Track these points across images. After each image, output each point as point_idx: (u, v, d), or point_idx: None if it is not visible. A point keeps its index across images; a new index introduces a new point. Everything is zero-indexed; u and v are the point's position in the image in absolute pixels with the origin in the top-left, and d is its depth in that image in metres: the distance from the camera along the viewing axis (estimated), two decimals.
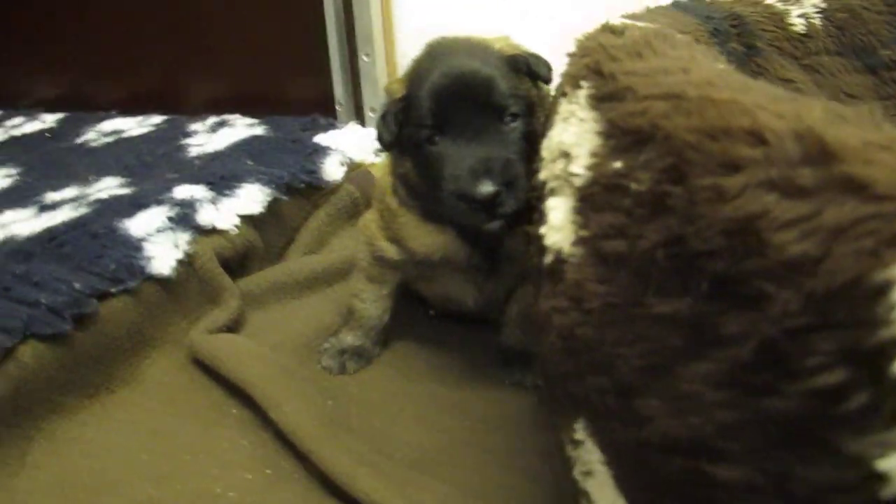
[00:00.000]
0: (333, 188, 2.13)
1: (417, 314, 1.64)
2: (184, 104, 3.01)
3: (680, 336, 0.61)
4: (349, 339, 1.48)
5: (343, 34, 2.55)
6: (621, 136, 0.73)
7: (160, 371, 1.48)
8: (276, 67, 2.80)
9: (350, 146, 2.26)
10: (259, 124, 2.55)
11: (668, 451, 0.64)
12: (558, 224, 0.85)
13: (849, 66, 1.71)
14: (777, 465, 0.55)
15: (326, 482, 1.13)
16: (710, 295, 0.58)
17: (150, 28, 3.03)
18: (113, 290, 1.43)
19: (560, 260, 0.84)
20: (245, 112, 2.75)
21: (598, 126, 0.79)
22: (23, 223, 1.80)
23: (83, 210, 1.77)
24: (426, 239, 1.33)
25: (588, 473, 0.86)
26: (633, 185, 0.68)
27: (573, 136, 0.84)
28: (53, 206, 1.92)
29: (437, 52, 1.25)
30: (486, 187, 1.10)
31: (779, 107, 0.59)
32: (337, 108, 2.67)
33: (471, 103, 1.17)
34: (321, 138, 2.29)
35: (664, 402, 0.63)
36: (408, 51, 2.52)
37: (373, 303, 1.47)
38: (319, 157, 2.12)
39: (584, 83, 0.86)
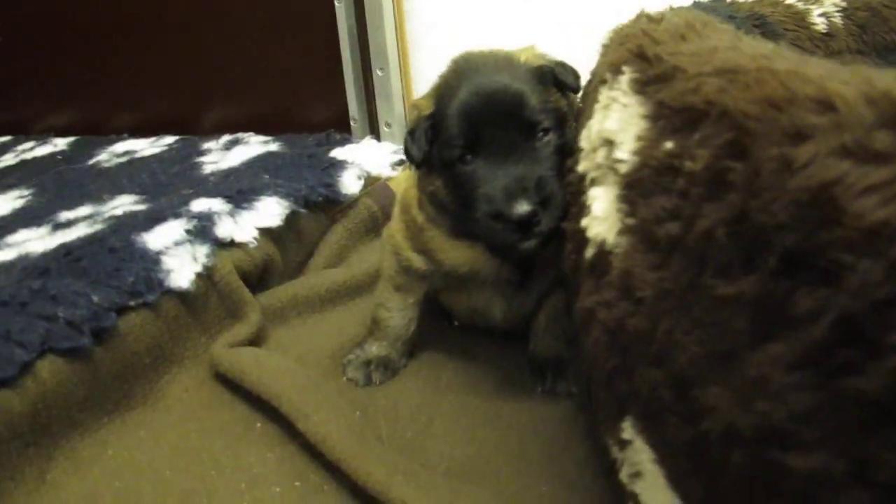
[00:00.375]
0: (351, 203, 2.11)
1: (443, 325, 1.61)
2: (197, 128, 3.00)
3: (745, 318, 0.58)
4: (374, 349, 1.45)
5: (356, 49, 2.53)
6: (671, 117, 0.71)
7: (180, 387, 1.44)
8: (290, 86, 2.79)
9: (367, 160, 2.24)
10: (273, 141, 2.55)
11: (732, 443, 0.60)
12: (602, 214, 0.82)
13: (871, 65, 1.69)
14: (857, 450, 0.51)
15: (357, 493, 1.09)
16: (780, 271, 0.55)
17: (161, 55, 3.03)
18: (132, 303, 1.40)
19: (603, 252, 0.81)
20: (259, 132, 2.75)
21: (644, 109, 0.77)
22: (37, 241, 1.78)
23: (99, 226, 1.75)
24: (454, 253, 1.31)
25: (637, 475, 0.83)
26: (688, 165, 0.65)
27: (616, 123, 0.82)
28: (67, 224, 1.90)
29: (463, 68, 1.22)
30: (522, 207, 1.08)
31: (842, 75, 0.57)
32: (351, 123, 2.66)
33: (502, 121, 1.15)
34: (337, 152, 2.28)
35: (728, 391, 0.60)
36: (422, 64, 2.53)
37: (399, 312, 1.44)
38: (336, 171, 2.10)
39: (626, 68, 0.84)
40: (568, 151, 1.14)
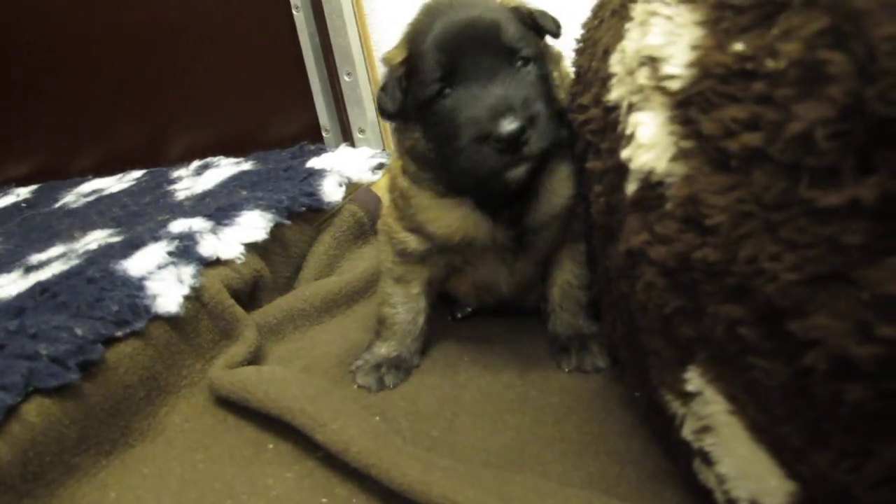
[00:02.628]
0: (335, 210, 2.02)
1: (448, 323, 1.55)
2: (164, 159, 2.91)
3: (859, 231, 0.50)
4: (384, 350, 1.37)
5: (321, 57, 2.46)
6: (737, 16, 0.64)
7: (180, 417, 1.35)
8: (256, 104, 2.71)
9: (346, 166, 2.16)
10: (245, 161, 2.47)
11: (845, 378, 0.53)
12: (649, 141, 0.75)
13: None
14: None
15: (391, 502, 1.00)
16: None
17: (116, 90, 2.94)
18: (119, 333, 1.30)
19: (651, 184, 0.75)
20: (229, 155, 2.66)
21: (697, 15, 0.70)
22: (9, 286, 1.68)
23: (74, 262, 1.64)
24: (444, 218, 1.25)
25: (706, 429, 0.76)
26: (769, 64, 0.58)
27: (661, 37, 0.75)
28: (40, 266, 1.81)
29: (434, 8, 1.19)
30: (510, 124, 1.03)
31: None
32: (323, 133, 2.58)
33: (479, 47, 1.11)
34: (314, 162, 2.20)
35: (837, 319, 0.52)
36: None
37: (403, 305, 1.36)
38: (316, 179, 2.01)
39: None
40: (551, 87, 1.15)
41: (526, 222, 1.24)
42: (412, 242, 1.30)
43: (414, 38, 1.18)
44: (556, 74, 1.21)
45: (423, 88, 1.14)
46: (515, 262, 1.32)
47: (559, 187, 1.24)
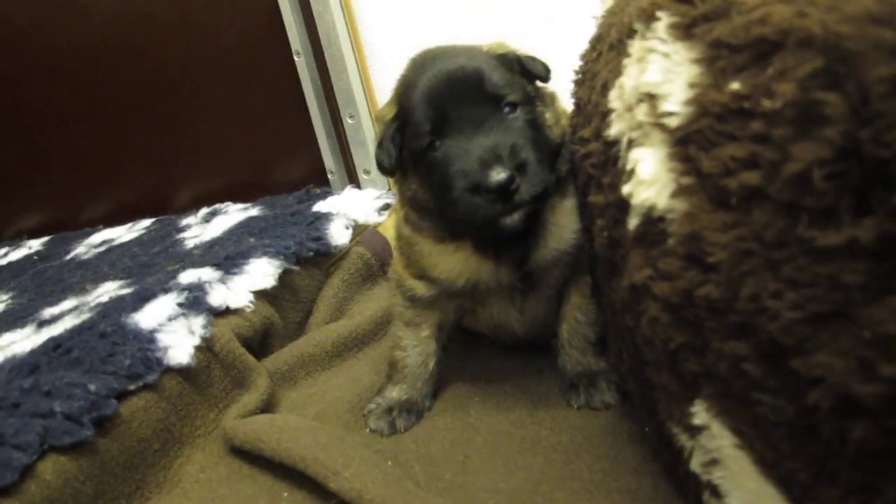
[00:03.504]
0: (343, 253, 2.03)
1: (460, 363, 1.53)
2: (173, 207, 2.94)
3: (858, 270, 0.51)
4: (395, 394, 1.37)
5: (323, 100, 2.49)
6: (733, 55, 0.64)
7: (196, 468, 1.35)
8: (262, 149, 2.74)
9: (352, 209, 2.18)
10: (253, 206, 2.49)
11: (849, 416, 0.53)
12: (649, 177, 0.76)
13: None
14: None
15: None
16: None
17: (125, 140, 2.98)
18: (132, 387, 1.31)
19: (653, 220, 0.75)
20: (237, 201, 2.68)
21: (694, 53, 0.71)
22: (23, 342, 1.69)
23: (86, 316, 1.67)
24: (447, 263, 1.27)
25: (714, 462, 0.76)
26: (766, 103, 0.58)
27: (658, 74, 0.76)
28: (52, 320, 1.82)
29: (420, 63, 1.22)
30: (498, 174, 1.06)
31: None
32: (329, 176, 2.61)
33: (465, 97, 1.14)
34: (321, 206, 2.22)
35: (839, 357, 0.52)
36: None
37: (414, 349, 1.37)
38: (323, 223, 2.03)
39: (661, 14, 0.78)
40: (541, 128, 1.17)
41: (532, 261, 1.25)
42: (420, 289, 1.32)
43: (402, 92, 1.21)
44: (548, 115, 1.23)
45: (414, 142, 1.17)
46: (525, 301, 1.33)
47: (567, 221, 1.25)
